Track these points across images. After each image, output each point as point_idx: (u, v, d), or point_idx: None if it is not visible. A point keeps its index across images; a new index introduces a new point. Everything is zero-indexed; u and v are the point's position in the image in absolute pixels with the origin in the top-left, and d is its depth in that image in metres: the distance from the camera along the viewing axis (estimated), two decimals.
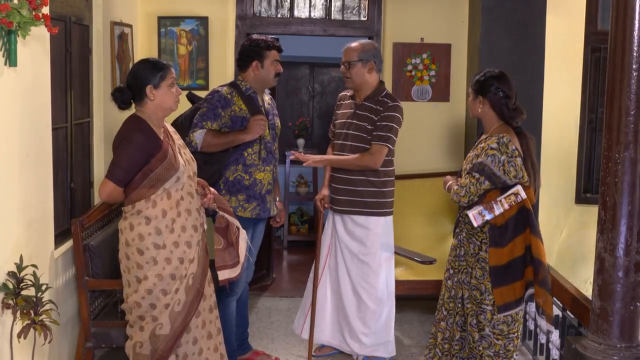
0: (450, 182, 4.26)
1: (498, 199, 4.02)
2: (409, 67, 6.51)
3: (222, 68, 6.34)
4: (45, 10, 3.65)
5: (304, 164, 4.92)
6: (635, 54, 3.46)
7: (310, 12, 6.59)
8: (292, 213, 8.86)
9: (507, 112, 4.15)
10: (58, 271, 4.27)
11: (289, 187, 8.77)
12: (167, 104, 3.79)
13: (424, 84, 6.53)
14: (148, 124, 3.73)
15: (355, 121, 4.85)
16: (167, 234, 3.72)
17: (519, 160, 4.04)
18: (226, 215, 4.00)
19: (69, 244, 4.41)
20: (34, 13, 3.46)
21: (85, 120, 5.03)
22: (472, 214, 4.05)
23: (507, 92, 4.16)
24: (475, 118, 4.32)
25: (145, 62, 3.86)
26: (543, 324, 4.19)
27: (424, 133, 6.56)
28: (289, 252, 8.50)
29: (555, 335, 4.67)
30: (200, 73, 6.36)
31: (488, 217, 4.03)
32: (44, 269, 4.00)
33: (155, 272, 3.70)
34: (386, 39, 6.52)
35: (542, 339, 4.95)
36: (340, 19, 6.59)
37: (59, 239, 4.41)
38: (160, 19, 6.30)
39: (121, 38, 5.59)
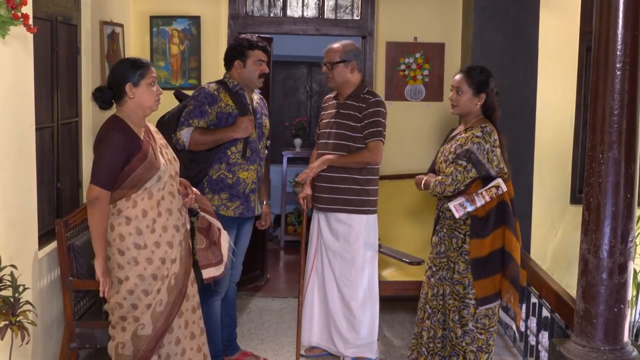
0: (425, 178, 4.24)
1: (479, 191, 4.02)
2: (402, 67, 6.49)
3: (214, 67, 6.31)
4: (26, 9, 3.64)
5: (308, 178, 4.89)
6: (618, 53, 3.42)
7: (303, 11, 6.57)
8: (290, 213, 8.84)
9: (498, 109, 4.18)
10: (42, 271, 4.25)
11: (286, 186, 8.76)
12: (146, 102, 3.76)
13: (417, 83, 6.51)
14: (127, 123, 3.70)
15: (338, 120, 4.88)
16: (148, 234, 3.69)
17: (499, 151, 4.08)
18: (207, 216, 3.98)
19: (54, 244, 4.39)
20: (12, 12, 3.44)
21: (73, 120, 5.01)
22: (453, 205, 4.05)
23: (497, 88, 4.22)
24: (461, 115, 4.28)
25: (124, 61, 3.85)
26: (508, 319, 4.19)
27: (416, 133, 6.54)
28: (285, 252, 8.49)
29: (544, 337, 4.65)
30: (193, 72, 6.34)
31: (469, 208, 4.03)
32: (27, 269, 3.98)
33: (136, 273, 3.68)
34: (379, 38, 6.50)
35: (532, 340, 4.92)
36: (333, 18, 6.57)
37: (45, 239, 4.39)
38: (152, 18, 6.29)
39: (112, 37, 5.57)
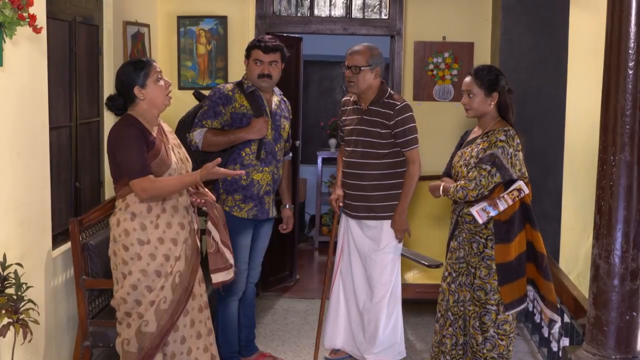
0: (443, 184, 4.16)
1: (501, 195, 3.94)
2: (431, 66, 6.40)
3: (241, 67, 6.19)
4: (37, 10, 3.66)
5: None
6: (631, 52, 3.32)
7: (330, 10, 6.53)
8: (325, 214, 8.81)
9: (512, 107, 4.09)
10: (57, 270, 4.28)
11: (322, 187, 8.74)
12: (158, 99, 3.77)
13: (445, 83, 6.42)
14: (139, 121, 3.73)
15: (364, 127, 4.77)
16: (152, 229, 3.72)
17: (521, 155, 4.00)
18: (209, 224, 3.94)
19: (70, 243, 4.41)
20: (18, 13, 3.46)
21: (94, 119, 5.05)
22: (475, 210, 3.97)
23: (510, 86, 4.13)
24: (475, 117, 4.19)
25: (126, 65, 3.85)
26: (551, 315, 4.08)
27: (445, 133, 6.42)
28: (320, 252, 8.45)
29: (565, 343, 4.53)
30: (220, 72, 6.36)
31: (493, 213, 3.95)
32: (39, 267, 4.02)
33: (139, 268, 3.71)
34: (407, 38, 6.42)
35: (555, 347, 4.81)
36: (361, 17, 6.51)
37: (61, 237, 4.44)
38: (179, 18, 6.32)
39: (136, 38, 5.60)
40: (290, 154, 5.04)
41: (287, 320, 5.93)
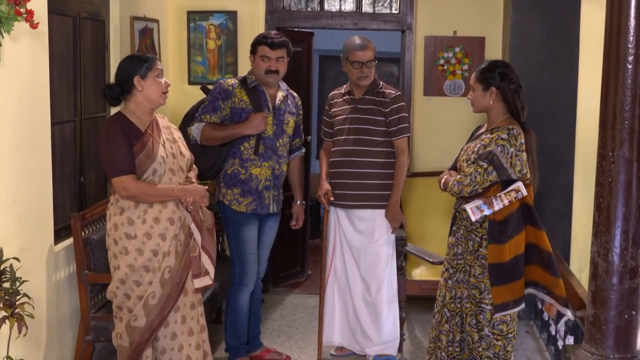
0: (445, 177, 4.12)
1: (498, 194, 3.87)
2: (441, 61, 6.34)
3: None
4: (37, 5, 3.67)
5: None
6: (630, 46, 3.26)
7: (340, 5, 6.49)
8: None
9: (520, 103, 4.01)
10: (59, 264, 4.30)
11: None
12: (154, 94, 3.80)
13: (456, 78, 6.36)
14: (128, 117, 3.77)
15: (357, 115, 4.83)
16: (139, 224, 3.74)
17: (524, 156, 3.91)
18: (192, 225, 3.89)
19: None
20: (15, 8, 3.47)
21: (100, 114, 5.06)
22: (470, 207, 3.91)
23: (519, 82, 4.03)
24: (479, 112, 4.14)
25: (130, 56, 3.94)
26: (561, 309, 4.00)
27: (456, 129, 6.34)
28: None
29: (570, 342, 4.49)
30: (229, 67, 6.35)
31: (487, 212, 3.88)
32: (40, 262, 4.04)
33: (126, 262, 3.74)
34: (418, 32, 6.36)
35: (561, 345, 4.75)
36: (371, 12, 6.46)
37: (65, 232, 4.44)
38: (189, 13, 6.32)
39: (144, 33, 5.61)
40: (303, 150, 5.02)
41: (295, 316, 5.93)
